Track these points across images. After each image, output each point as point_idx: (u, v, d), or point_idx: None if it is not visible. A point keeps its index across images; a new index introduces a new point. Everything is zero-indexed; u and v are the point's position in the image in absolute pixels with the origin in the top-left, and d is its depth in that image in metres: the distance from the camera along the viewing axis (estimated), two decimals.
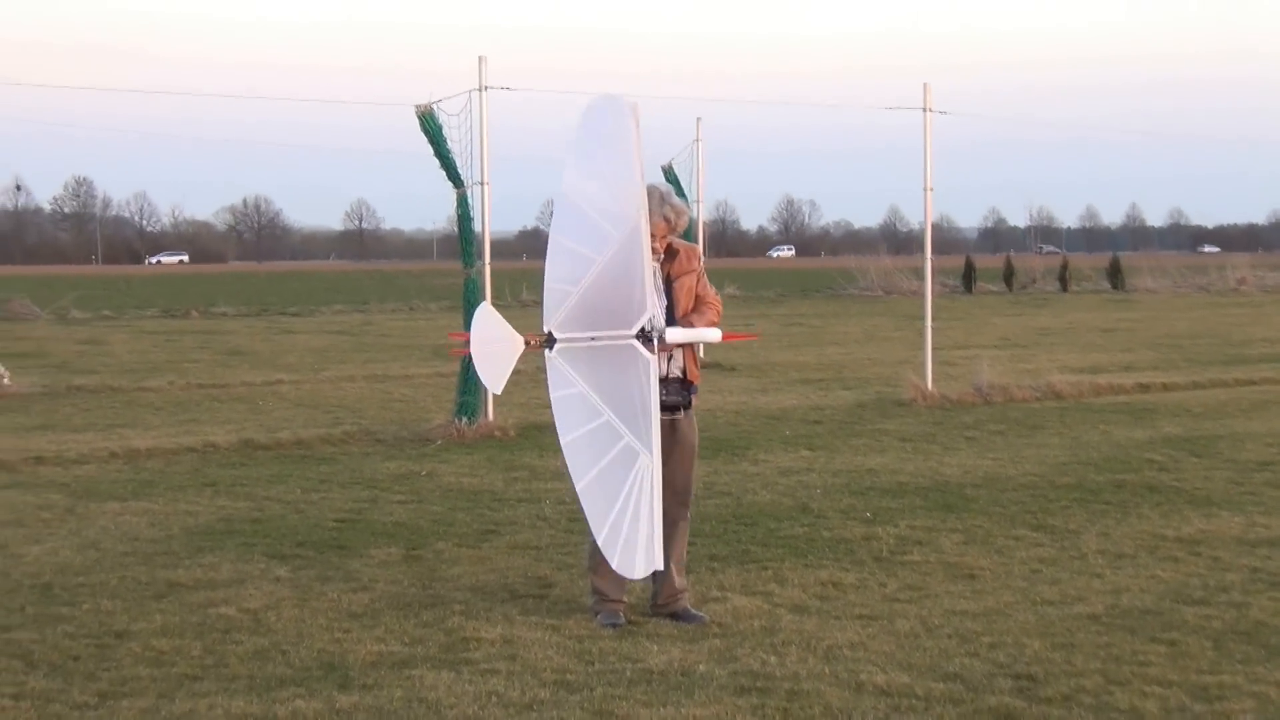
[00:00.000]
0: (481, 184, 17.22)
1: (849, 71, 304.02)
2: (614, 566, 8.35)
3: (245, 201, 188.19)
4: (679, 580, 8.85)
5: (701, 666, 7.71)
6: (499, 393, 9.46)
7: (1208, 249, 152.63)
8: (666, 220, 8.71)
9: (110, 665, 7.80)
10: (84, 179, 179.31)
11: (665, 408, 8.58)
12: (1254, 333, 34.82)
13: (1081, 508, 12.13)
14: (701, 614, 8.72)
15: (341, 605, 9.04)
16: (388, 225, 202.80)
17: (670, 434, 8.70)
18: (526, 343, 8.72)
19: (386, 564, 10.21)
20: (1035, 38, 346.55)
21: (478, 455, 15.29)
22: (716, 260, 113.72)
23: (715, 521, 11.47)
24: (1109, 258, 69.10)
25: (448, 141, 17.05)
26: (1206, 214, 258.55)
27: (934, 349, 21.36)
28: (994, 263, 72.28)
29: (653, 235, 8.54)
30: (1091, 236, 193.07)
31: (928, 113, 20.72)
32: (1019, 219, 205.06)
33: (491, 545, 10.84)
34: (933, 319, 21.43)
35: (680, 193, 23.93)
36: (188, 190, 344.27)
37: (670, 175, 26.06)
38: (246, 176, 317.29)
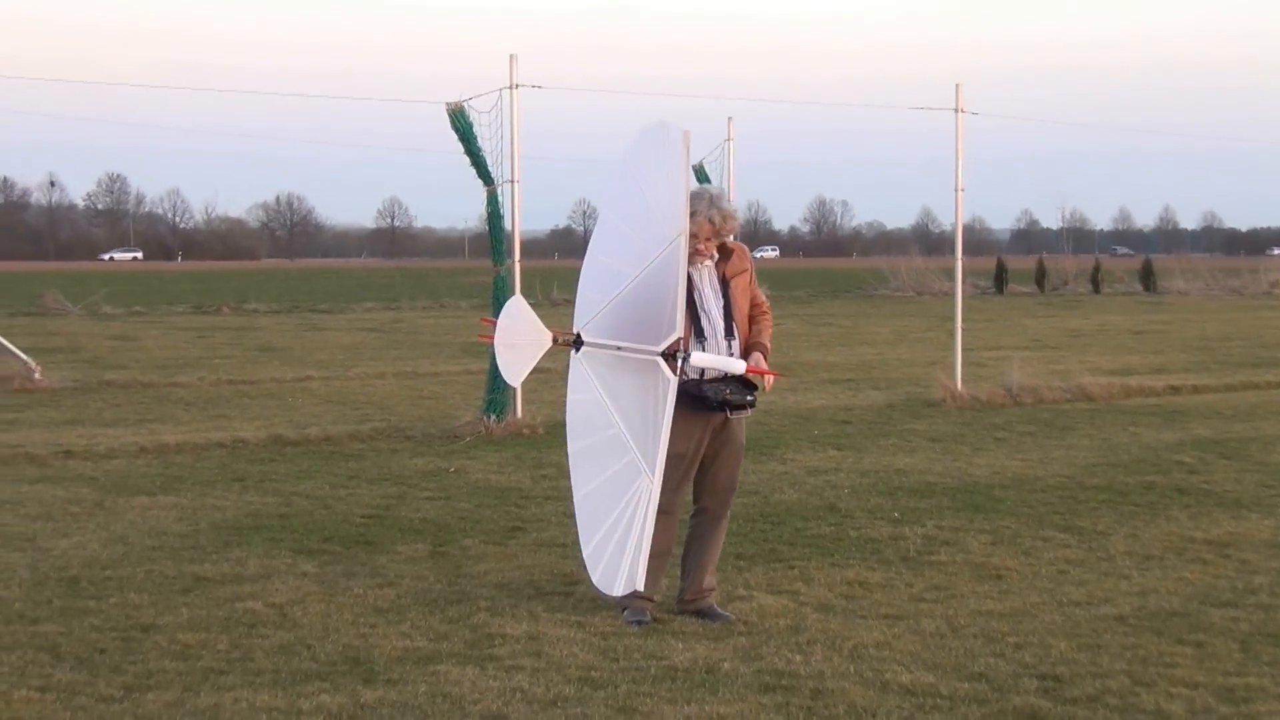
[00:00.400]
0: (512, 182, 17.22)
1: (883, 77, 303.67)
2: (594, 580, 8.47)
3: (278, 199, 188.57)
4: (708, 578, 8.84)
5: (726, 664, 7.70)
6: (516, 386, 9.52)
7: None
8: (711, 222, 8.66)
9: (136, 658, 7.83)
10: (117, 175, 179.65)
11: (730, 406, 8.60)
12: None
13: (1110, 509, 12.09)
14: (727, 613, 8.71)
15: (367, 600, 9.05)
16: (420, 223, 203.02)
17: (722, 432, 8.72)
18: (554, 339, 8.76)
19: (413, 560, 10.23)
20: (1067, 38, 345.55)
21: (506, 452, 15.30)
22: None
23: (742, 520, 11.45)
24: (1142, 260, 68.92)
25: (478, 139, 17.07)
26: (1240, 217, 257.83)
27: (964, 350, 21.33)
28: (1026, 264, 72.04)
29: (696, 236, 8.56)
30: (1124, 239, 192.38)
31: (959, 113, 20.71)
32: (1051, 221, 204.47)
33: (518, 542, 10.85)
34: (964, 320, 21.39)
35: None
36: (221, 187, 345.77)
37: (701, 174, 25.99)
38: (280, 174, 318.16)
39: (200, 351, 30.03)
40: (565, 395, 8.89)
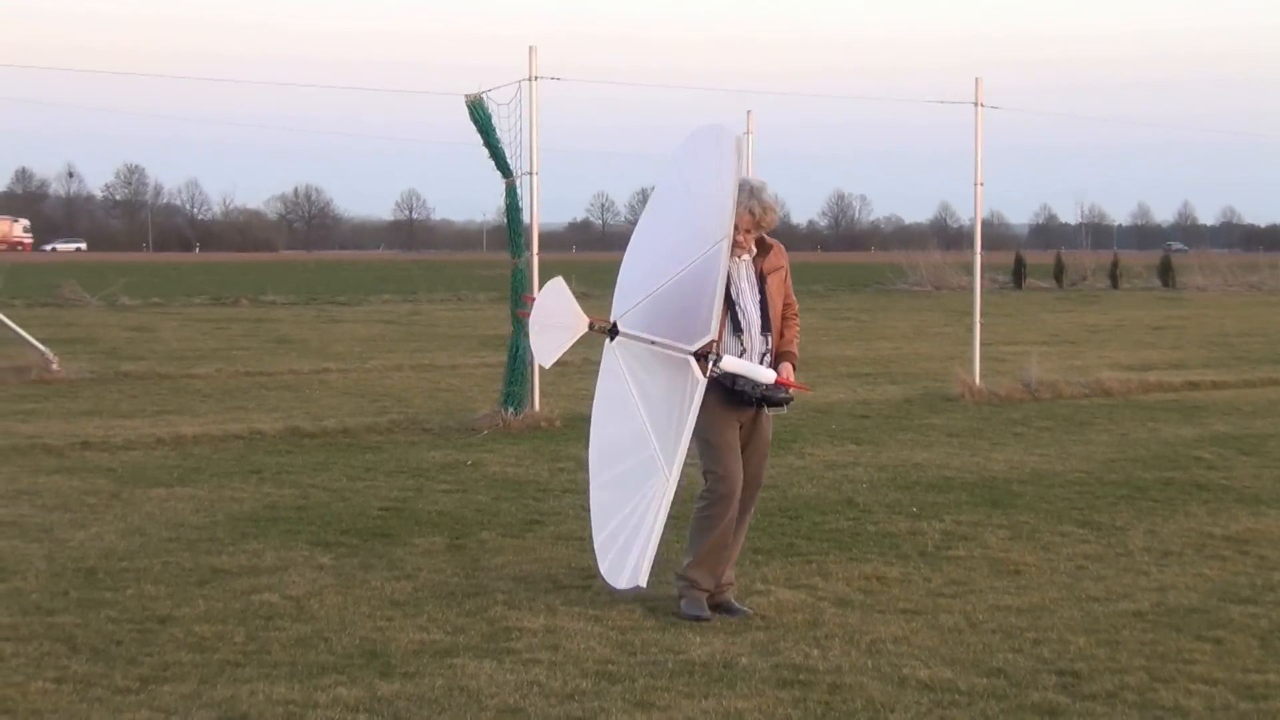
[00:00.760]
0: (530, 174, 17.20)
1: (903, 70, 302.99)
2: (602, 571, 8.49)
3: (296, 191, 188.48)
4: (728, 573, 8.82)
5: (744, 659, 7.69)
6: (548, 367, 9.52)
7: None
8: (751, 213, 8.62)
9: (152, 650, 7.83)
10: (136, 166, 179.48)
11: (769, 402, 8.61)
12: None
13: (1129, 505, 12.06)
14: (745, 607, 8.69)
15: (384, 593, 9.05)
16: (438, 216, 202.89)
17: (751, 426, 8.73)
18: (590, 325, 8.77)
19: (430, 553, 10.22)
20: (1086, 34, 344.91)
21: (523, 445, 15.30)
22: None
23: (760, 514, 11.40)
24: (1160, 255, 68.77)
25: (497, 131, 17.05)
26: (1259, 213, 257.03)
27: (983, 345, 21.28)
28: (1045, 259, 71.91)
29: (736, 227, 8.57)
30: (1142, 234, 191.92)
31: (979, 107, 20.66)
32: (1070, 216, 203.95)
33: (535, 535, 10.84)
34: (982, 315, 21.35)
35: None
36: (239, 179, 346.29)
37: None
38: (298, 166, 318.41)
39: (217, 343, 30.06)
40: (586, 388, 8.92)
